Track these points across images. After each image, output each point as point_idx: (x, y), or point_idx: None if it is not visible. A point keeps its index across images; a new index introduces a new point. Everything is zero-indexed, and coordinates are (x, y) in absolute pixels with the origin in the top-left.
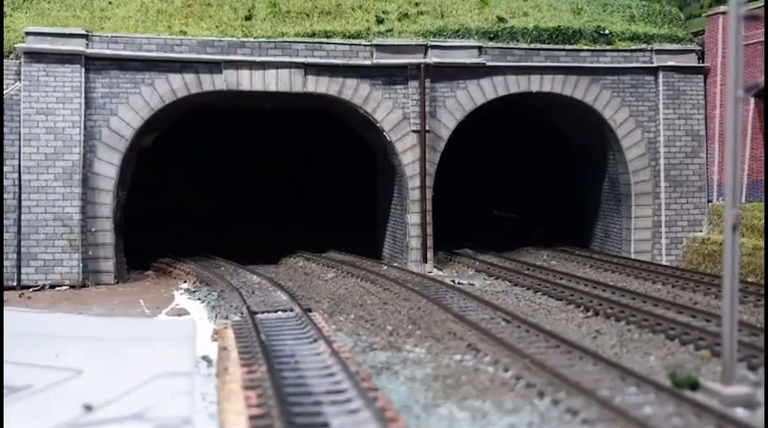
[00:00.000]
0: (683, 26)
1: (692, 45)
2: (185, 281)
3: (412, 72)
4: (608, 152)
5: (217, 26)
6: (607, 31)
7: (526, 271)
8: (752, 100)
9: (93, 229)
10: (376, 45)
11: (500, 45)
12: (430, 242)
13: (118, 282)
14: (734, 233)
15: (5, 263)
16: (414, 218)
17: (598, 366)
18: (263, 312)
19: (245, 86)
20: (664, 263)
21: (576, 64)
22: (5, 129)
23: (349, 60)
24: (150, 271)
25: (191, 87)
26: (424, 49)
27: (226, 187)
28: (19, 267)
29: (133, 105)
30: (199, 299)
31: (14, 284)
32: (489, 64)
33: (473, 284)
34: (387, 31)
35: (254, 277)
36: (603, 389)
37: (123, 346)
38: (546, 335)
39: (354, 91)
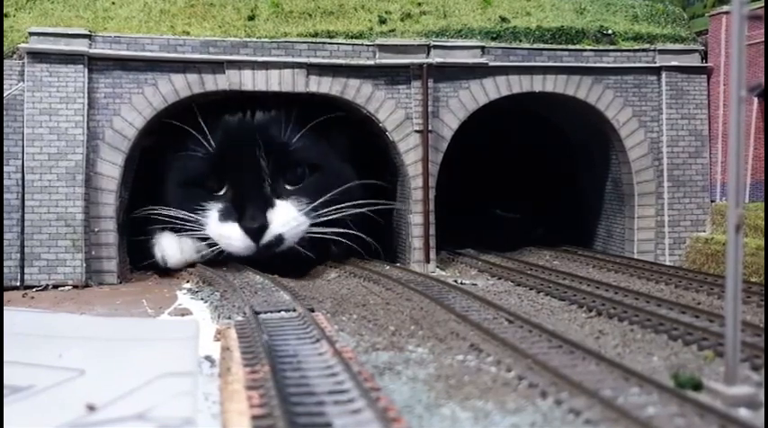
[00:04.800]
0: (687, 26)
1: (696, 45)
2: (188, 281)
3: (414, 72)
4: (610, 152)
5: (220, 26)
6: (610, 31)
7: (529, 272)
8: (755, 100)
9: (97, 229)
10: (378, 45)
11: (503, 45)
12: (432, 242)
13: (121, 282)
14: (737, 233)
15: (9, 263)
16: (416, 218)
17: (601, 366)
18: (265, 312)
19: (248, 86)
20: (667, 263)
21: (579, 64)
22: (9, 130)
23: (351, 60)
24: (153, 270)
25: (193, 87)
26: (427, 48)
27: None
28: (22, 267)
29: (136, 105)
30: (202, 299)
31: (18, 284)
32: (492, 64)
33: (476, 284)
34: (389, 31)
35: (257, 277)
36: (606, 390)
37: (126, 346)
38: (549, 335)
39: (357, 91)
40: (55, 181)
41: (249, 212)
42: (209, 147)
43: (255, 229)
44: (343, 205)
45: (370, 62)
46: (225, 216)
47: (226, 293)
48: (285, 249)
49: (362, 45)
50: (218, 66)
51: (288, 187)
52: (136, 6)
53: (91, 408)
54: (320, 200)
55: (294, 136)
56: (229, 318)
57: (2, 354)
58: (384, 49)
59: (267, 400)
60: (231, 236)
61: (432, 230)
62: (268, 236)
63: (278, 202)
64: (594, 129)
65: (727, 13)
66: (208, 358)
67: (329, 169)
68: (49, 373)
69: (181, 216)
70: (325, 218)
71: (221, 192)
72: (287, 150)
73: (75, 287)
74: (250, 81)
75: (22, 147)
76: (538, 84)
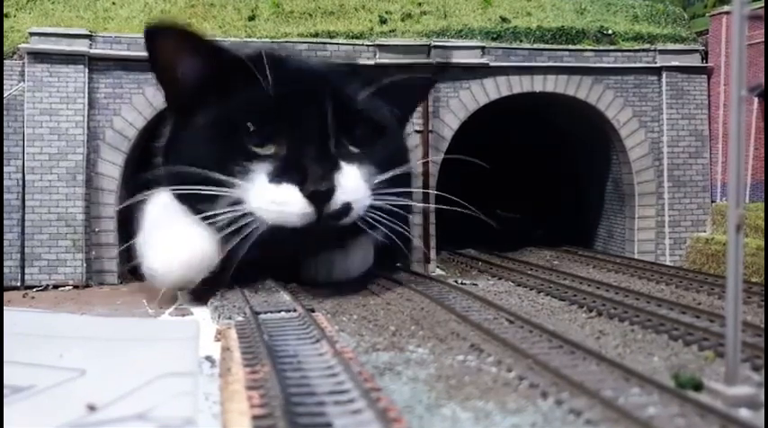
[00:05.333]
0: (687, 26)
1: (696, 45)
2: None
3: (415, 72)
4: (611, 152)
5: (220, 26)
6: (610, 31)
7: (529, 272)
8: (755, 100)
9: (97, 229)
10: (379, 45)
11: (503, 45)
12: (433, 242)
13: (122, 282)
14: (737, 233)
15: (9, 263)
16: (416, 218)
17: (601, 366)
18: (266, 312)
19: None
20: (667, 263)
21: (580, 64)
22: (9, 130)
23: (352, 61)
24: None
25: None
26: (428, 49)
27: None
28: (23, 267)
29: (136, 105)
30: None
31: (18, 284)
32: (492, 64)
33: (476, 284)
34: (390, 31)
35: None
36: (607, 390)
37: (126, 346)
38: (549, 336)
39: None
40: (55, 181)
41: (315, 171)
42: (265, 85)
43: (322, 193)
44: (402, 190)
45: (371, 62)
46: (278, 176)
47: (226, 293)
48: (348, 224)
49: (363, 45)
50: None
51: (351, 149)
52: (136, 6)
53: (91, 408)
54: (388, 175)
55: (361, 91)
56: (230, 318)
57: (2, 354)
58: (384, 49)
59: (268, 400)
60: (287, 201)
61: (432, 230)
62: (335, 202)
63: (343, 165)
64: (595, 129)
65: (727, 13)
66: (208, 358)
67: (394, 138)
68: (49, 373)
69: (214, 179)
70: (386, 200)
71: (268, 151)
72: (354, 106)
73: (75, 287)
74: None
75: (23, 147)
76: (538, 84)
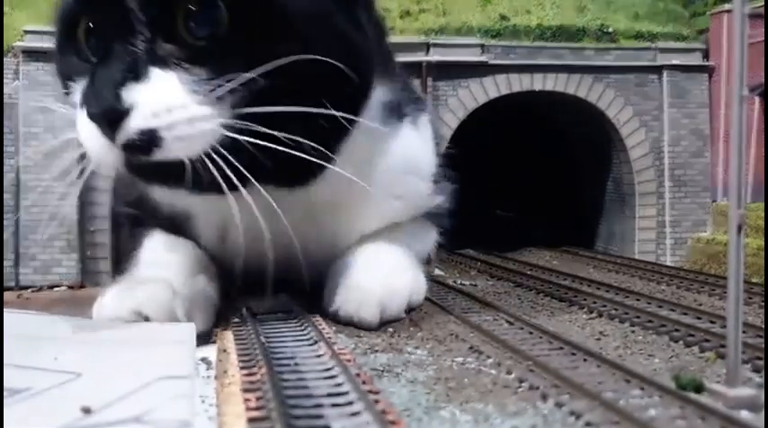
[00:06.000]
0: (688, 24)
1: (697, 43)
2: None
3: (414, 70)
4: (611, 151)
5: None
6: (611, 29)
7: (529, 272)
8: (756, 99)
9: (92, 229)
10: None
11: (503, 43)
12: None
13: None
14: (738, 234)
15: (4, 263)
16: None
17: (602, 368)
18: (263, 313)
19: None
20: (668, 263)
21: (580, 62)
22: (5, 129)
23: None
24: None
25: None
26: (426, 47)
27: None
28: (17, 268)
29: None
30: None
31: (12, 285)
32: (492, 62)
33: (475, 285)
34: (389, 28)
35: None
36: (608, 391)
37: (122, 348)
38: (549, 337)
39: None
40: (50, 180)
41: (94, 87)
42: None
43: (100, 116)
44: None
45: None
46: (82, 96)
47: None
48: (174, 161)
49: None
50: None
51: (186, 44)
52: None
53: (86, 411)
54: (251, 74)
55: None
56: (226, 320)
57: (2, 356)
58: None
59: (265, 403)
60: (83, 132)
61: None
62: (126, 130)
63: (155, 72)
64: (595, 129)
65: (728, 11)
66: (204, 360)
67: (283, 7)
68: (45, 376)
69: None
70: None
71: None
72: None
73: (70, 288)
74: None
75: (17, 146)
76: (538, 82)
